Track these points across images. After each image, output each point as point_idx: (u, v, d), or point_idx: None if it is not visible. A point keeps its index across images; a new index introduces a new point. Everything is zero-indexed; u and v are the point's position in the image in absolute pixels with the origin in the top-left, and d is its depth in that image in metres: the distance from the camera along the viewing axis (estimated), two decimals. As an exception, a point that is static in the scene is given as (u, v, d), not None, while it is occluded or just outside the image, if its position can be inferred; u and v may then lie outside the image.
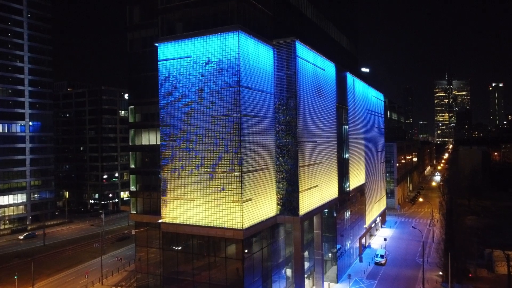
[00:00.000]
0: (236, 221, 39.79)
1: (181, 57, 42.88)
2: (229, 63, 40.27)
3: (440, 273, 64.42)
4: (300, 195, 46.64)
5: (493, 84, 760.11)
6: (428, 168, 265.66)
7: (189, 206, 42.45)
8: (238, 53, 39.84)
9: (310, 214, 50.36)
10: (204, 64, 41.62)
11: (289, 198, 46.45)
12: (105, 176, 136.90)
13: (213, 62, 41.14)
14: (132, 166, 50.98)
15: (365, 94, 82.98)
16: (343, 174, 65.04)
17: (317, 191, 52.89)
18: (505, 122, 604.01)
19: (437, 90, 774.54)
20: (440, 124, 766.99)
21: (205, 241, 42.68)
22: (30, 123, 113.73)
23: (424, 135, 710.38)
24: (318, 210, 52.84)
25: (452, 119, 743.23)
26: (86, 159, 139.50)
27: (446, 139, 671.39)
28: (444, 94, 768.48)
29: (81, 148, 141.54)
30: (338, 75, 63.10)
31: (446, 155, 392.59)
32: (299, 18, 57.02)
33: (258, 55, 43.94)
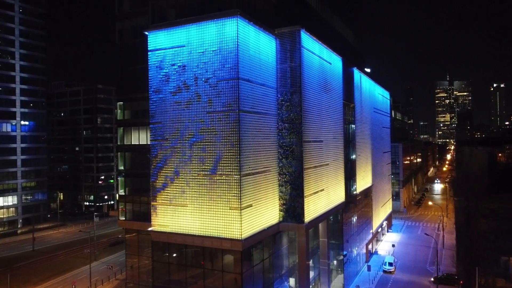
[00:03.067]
0: (234, 230, 35.46)
1: (174, 46, 38.57)
2: (227, 53, 35.97)
3: (432, 279, 61.07)
4: (305, 200, 42.29)
5: (494, 85, 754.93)
6: (432, 169, 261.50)
7: (182, 213, 38.11)
8: (237, 42, 35.54)
9: (316, 221, 46.01)
10: (199, 54, 37.33)
11: (293, 204, 42.11)
12: (102, 177, 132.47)
13: (209, 52, 36.85)
14: (121, 167, 46.69)
15: (371, 91, 78.68)
16: (350, 177, 60.71)
17: (323, 196, 48.55)
18: (507, 123, 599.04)
19: (438, 90, 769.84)
20: (441, 125, 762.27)
21: (199, 251, 38.30)
22: (22, 122, 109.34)
23: (425, 136, 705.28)
24: (324, 216, 48.51)
25: (453, 119, 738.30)
26: (81, 159, 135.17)
27: (447, 140, 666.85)
28: (445, 94, 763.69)
29: (77, 149, 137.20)
30: (344, 70, 58.82)
31: (448, 156, 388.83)
32: (303, 7, 52.68)
33: (259, 45, 39.63)
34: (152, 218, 39.88)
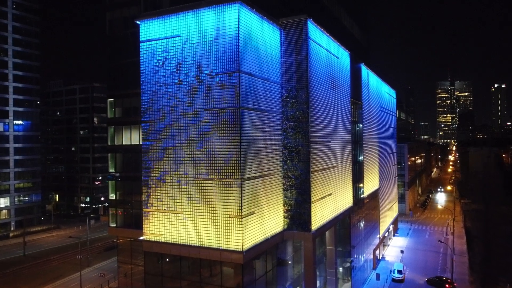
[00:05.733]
0: (234, 240, 31.80)
1: (168, 36, 34.92)
2: (227, 43, 32.32)
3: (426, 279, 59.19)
4: (313, 205, 38.62)
5: (496, 85, 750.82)
6: (435, 170, 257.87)
7: (177, 220, 34.45)
8: (238, 31, 31.89)
9: (324, 229, 42.32)
10: (196, 44, 33.68)
11: (299, 210, 38.45)
12: (99, 178, 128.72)
13: (207, 42, 33.21)
14: (112, 170, 43.00)
15: (378, 89, 75.01)
16: (357, 179, 57.06)
17: (331, 200, 44.89)
18: (508, 123, 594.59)
19: (439, 91, 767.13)
20: (442, 125, 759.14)
21: (196, 263, 34.63)
22: (15, 122, 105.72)
23: (426, 137, 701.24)
24: (331, 223, 44.82)
25: (454, 120, 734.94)
26: (77, 160, 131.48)
27: (448, 141, 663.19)
28: (446, 95, 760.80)
29: (73, 149, 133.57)
30: (352, 66, 55.17)
31: (450, 157, 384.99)
32: (309, -3, 49.07)
33: (262, 36, 35.99)
34: (144, 226, 36.24)
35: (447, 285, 56.88)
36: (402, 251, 71.30)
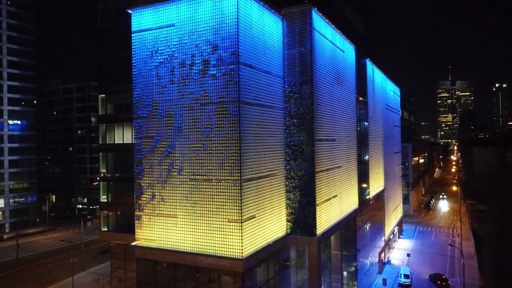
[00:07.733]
0: (233, 247, 29.24)
1: (161, 26, 32.39)
2: (225, 33, 29.78)
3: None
4: (318, 208, 36.07)
5: (497, 85, 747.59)
6: (437, 170, 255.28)
7: (172, 225, 31.91)
8: (237, 19, 29.35)
9: (329, 233, 39.75)
10: (192, 34, 31.14)
11: (302, 213, 35.89)
12: (98, 178, 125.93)
13: (204, 32, 30.68)
14: (103, 170, 40.43)
15: (383, 86, 72.46)
16: (363, 180, 54.50)
17: (336, 202, 42.32)
18: (510, 123, 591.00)
19: (440, 90, 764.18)
20: (443, 125, 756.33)
21: (192, 271, 32.07)
22: (10, 121, 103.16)
23: (426, 136, 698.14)
24: (337, 227, 42.24)
25: (455, 120, 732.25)
26: (74, 160, 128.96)
27: (449, 141, 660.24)
28: (447, 94, 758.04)
29: (70, 149, 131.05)
30: (357, 61, 52.64)
31: (452, 157, 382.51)
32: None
33: (263, 26, 33.45)
34: (136, 230, 33.70)
35: (438, 282, 57.30)
36: (408, 254, 68.56)
